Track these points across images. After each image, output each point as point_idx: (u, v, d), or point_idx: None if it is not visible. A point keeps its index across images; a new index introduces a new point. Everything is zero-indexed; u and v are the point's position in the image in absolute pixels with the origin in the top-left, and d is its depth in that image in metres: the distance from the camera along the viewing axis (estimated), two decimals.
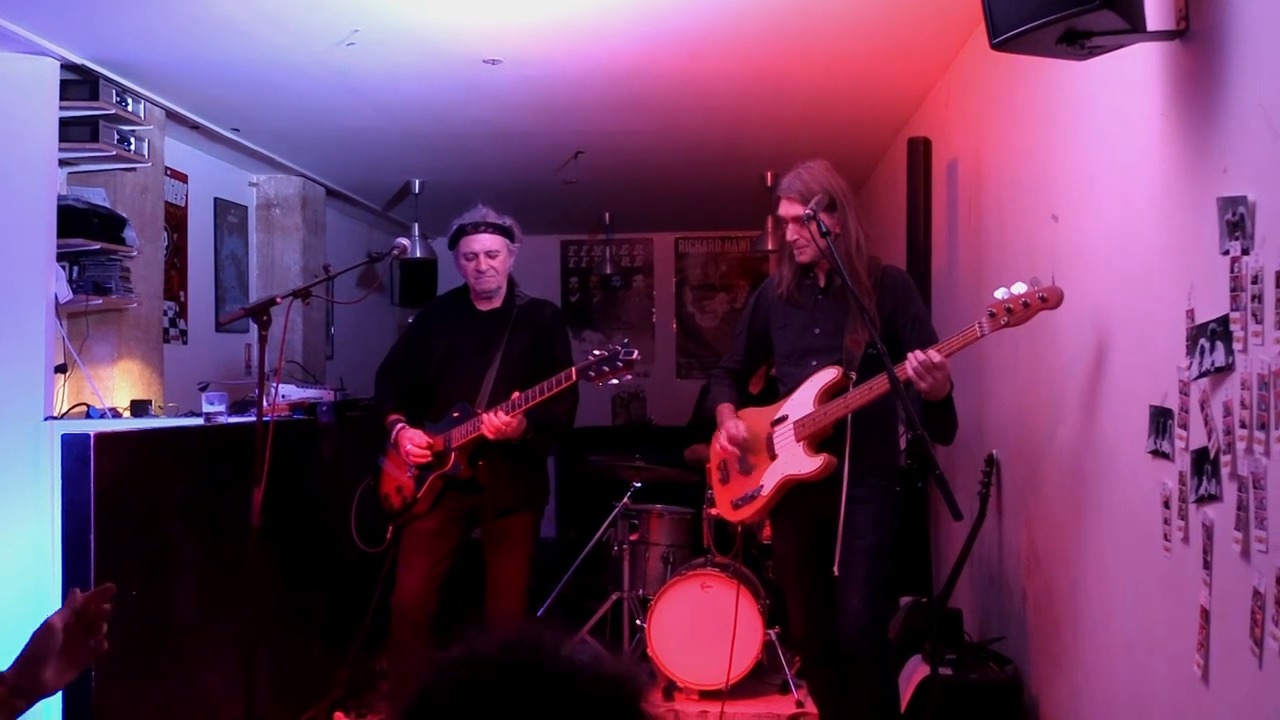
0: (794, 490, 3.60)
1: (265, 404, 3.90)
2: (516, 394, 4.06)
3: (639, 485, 5.74)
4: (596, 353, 3.99)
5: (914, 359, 3.17)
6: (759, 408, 3.79)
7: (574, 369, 3.98)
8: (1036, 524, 3.64)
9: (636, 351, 3.98)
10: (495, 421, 4.06)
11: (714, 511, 5.30)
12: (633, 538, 5.65)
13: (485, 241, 4.30)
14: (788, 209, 3.58)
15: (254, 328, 3.88)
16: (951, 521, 3.40)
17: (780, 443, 3.60)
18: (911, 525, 4.82)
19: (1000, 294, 3.06)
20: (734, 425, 3.72)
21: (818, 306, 3.67)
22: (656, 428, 9.02)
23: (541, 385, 4.01)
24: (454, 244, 4.35)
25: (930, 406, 3.29)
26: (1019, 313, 3.03)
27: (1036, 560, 3.63)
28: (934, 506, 5.09)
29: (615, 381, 4.00)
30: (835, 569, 3.45)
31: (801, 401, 3.57)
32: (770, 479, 3.63)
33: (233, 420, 4.55)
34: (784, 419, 3.61)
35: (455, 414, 4.25)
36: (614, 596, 5.64)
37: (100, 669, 3.52)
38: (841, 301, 3.57)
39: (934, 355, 3.16)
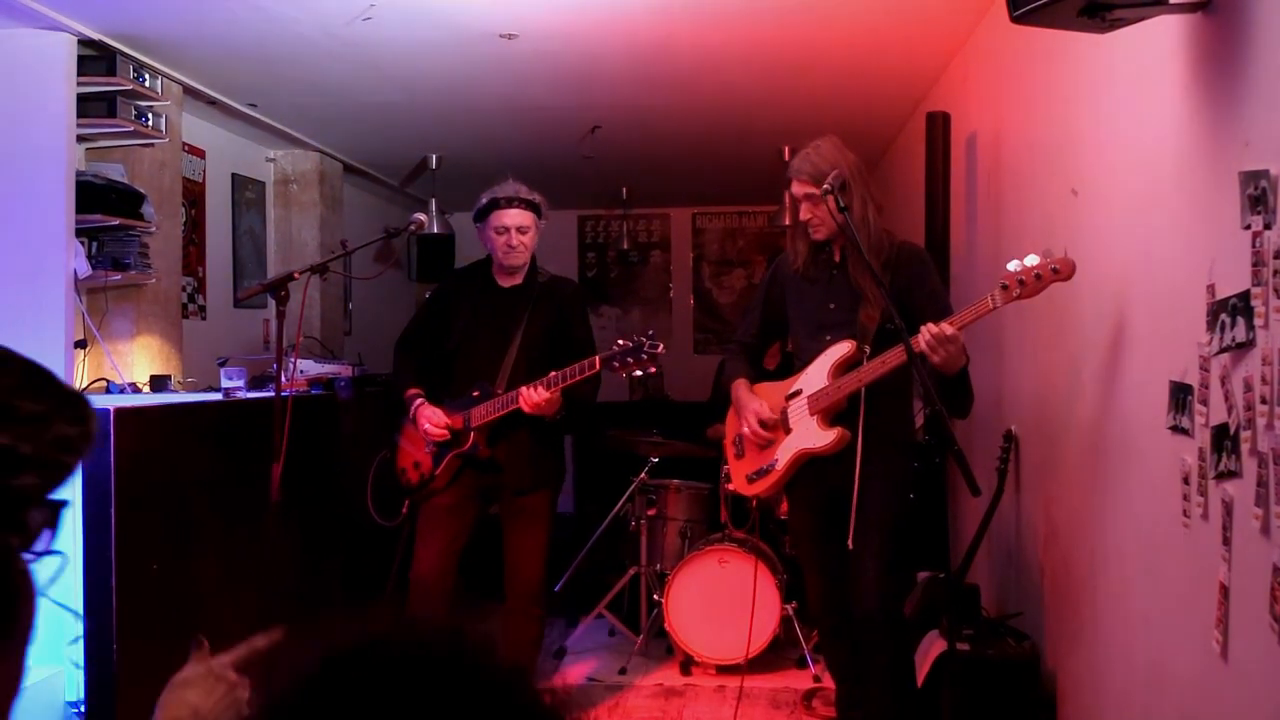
0: (809, 464, 3.61)
1: (284, 379, 3.91)
2: (554, 372, 4.05)
3: (656, 460, 5.74)
4: (621, 342, 3.97)
5: (926, 332, 3.17)
6: (774, 382, 3.81)
7: (597, 358, 3.98)
8: (1055, 499, 3.64)
9: (662, 345, 3.95)
10: (535, 397, 4.04)
11: (730, 486, 5.31)
12: (650, 513, 5.66)
13: (517, 217, 4.29)
14: (800, 189, 3.60)
15: (272, 303, 3.89)
16: (969, 497, 3.39)
17: (795, 417, 3.63)
18: (929, 500, 4.82)
19: (1013, 266, 3.05)
20: (759, 404, 3.73)
21: (832, 282, 3.68)
22: (674, 403, 9.01)
23: (574, 366, 4.01)
24: (483, 217, 4.32)
25: (945, 380, 3.29)
26: (1031, 284, 3.03)
27: (1055, 535, 3.63)
28: (952, 481, 5.09)
29: (639, 374, 3.99)
30: (850, 542, 3.47)
31: (816, 375, 3.59)
32: (784, 453, 3.65)
33: (251, 395, 4.57)
34: (798, 393, 3.62)
35: (475, 393, 4.25)
36: (631, 571, 5.65)
37: (122, 643, 3.56)
38: (856, 277, 3.58)
39: (946, 328, 3.16)
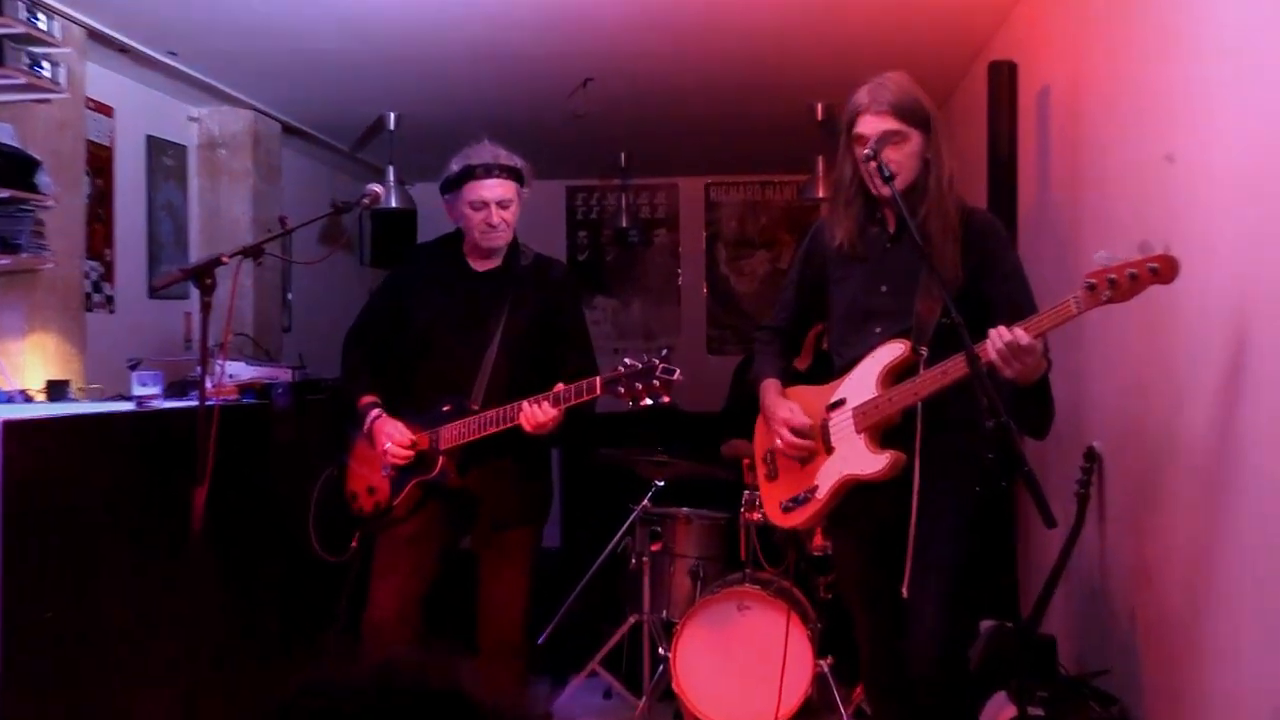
0: (855, 491, 3.56)
1: (209, 385, 3.88)
2: (561, 385, 4.00)
3: (661, 484, 5.71)
4: (628, 362, 3.87)
5: (998, 339, 3.10)
6: (811, 386, 3.75)
7: (597, 381, 3.93)
8: (1149, 532, 3.62)
9: (678, 371, 3.83)
10: (539, 416, 3.97)
11: (756, 516, 5.28)
12: (654, 548, 5.63)
13: (497, 188, 4.22)
14: (877, 124, 3.47)
15: (195, 293, 3.86)
16: (1042, 529, 3.36)
17: (838, 433, 3.56)
18: (994, 533, 4.79)
19: (1101, 257, 2.96)
20: (790, 412, 3.67)
21: (885, 258, 3.60)
22: (683, 414, 8.97)
23: (574, 386, 3.96)
24: (453, 188, 4.27)
25: (1021, 392, 3.25)
26: (1124, 286, 2.93)
27: (1148, 577, 3.61)
28: (1021, 510, 5.06)
29: (648, 403, 3.91)
30: (904, 588, 3.43)
31: (862, 382, 3.53)
32: (827, 478, 3.59)
33: (170, 405, 4.55)
34: (841, 403, 3.56)
35: (446, 407, 4.20)
36: (631, 619, 5.62)
37: (8, 702, 3.53)
38: (916, 253, 3.44)
39: (1021, 334, 3.08)
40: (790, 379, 3.88)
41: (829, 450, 3.60)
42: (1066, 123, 4.61)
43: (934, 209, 3.46)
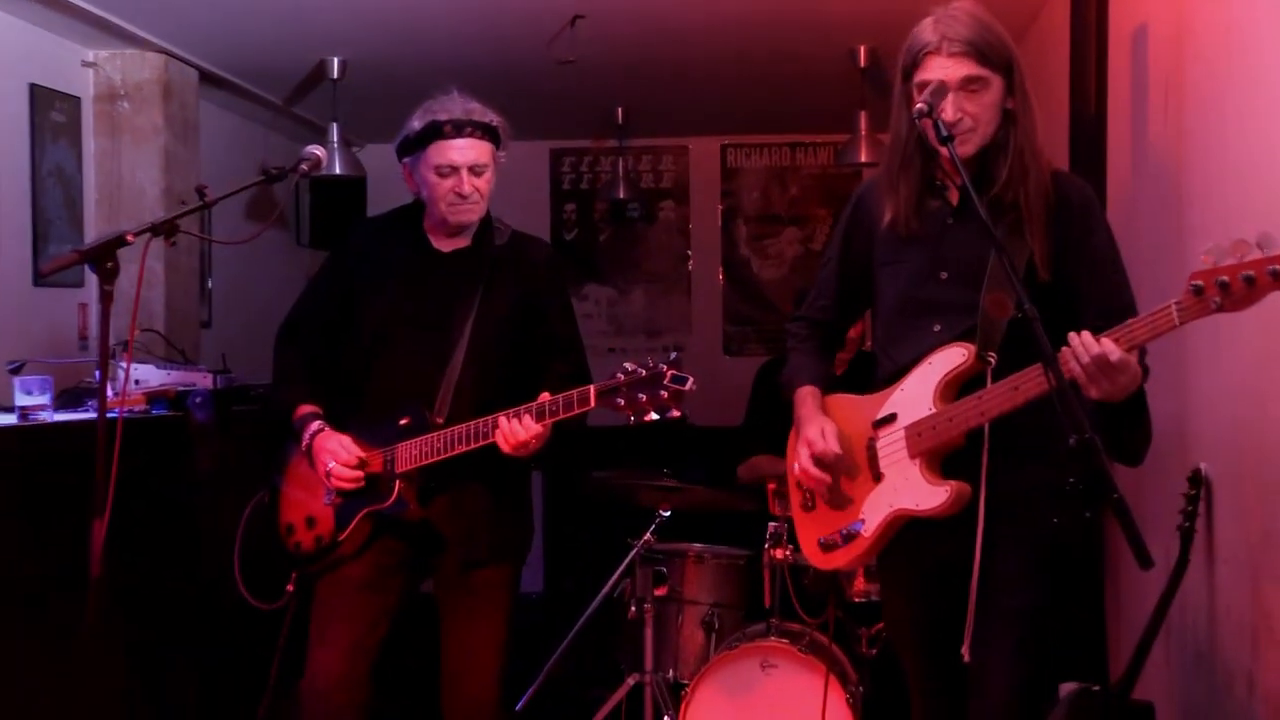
0: (909, 526, 3.55)
1: (110, 394, 3.87)
2: (546, 395, 3.99)
3: (667, 514, 5.71)
4: (629, 367, 3.86)
5: (1083, 350, 3.05)
6: (854, 396, 3.73)
7: (592, 390, 3.91)
8: (1269, 576, 3.61)
9: (691, 380, 3.81)
10: (520, 434, 3.95)
11: (784, 553, 5.28)
12: (659, 593, 5.62)
13: (469, 150, 4.18)
14: (950, 68, 3.38)
15: (93, 280, 3.87)
16: (1137, 571, 3.35)
17: (888, 457, 3.53)
18: (1077, 576, 4.78)
19: (1211, 254, 2.92)
20: (820, 434, 3.63)
21: (946, 238, 3.53)
22: (694, 428, 8.98)
23: (564, 396, 3.94)
24: (415, 149, 4.24)
25: (1110, 409, 3.23)
26: (1238, 291, 2.87)
27: (1270, 631, 3.60)
28: (1111, 547, 5.05)
29: (654, 417, 3.89)
30: (965, 649, 3.41)
31: (916, 395, 3.49)
32: (874, 512, 3.56)
33: (61, 418, 4.54)
34: (891, 419, 3.54)
35: (403, 420, 4.19)
36: (630, 681, 5.62)
37: None
38: (985, 231, 3.34)
39: (1111, 348, 3.04)
40: (831, 385, 3.85)
41: (877, 478, 3.57)
42: (1168, 69, 4.60)
43: (1017, 174, 3.41)
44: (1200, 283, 2.87)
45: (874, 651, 5.39)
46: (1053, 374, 3.03)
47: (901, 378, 3.55)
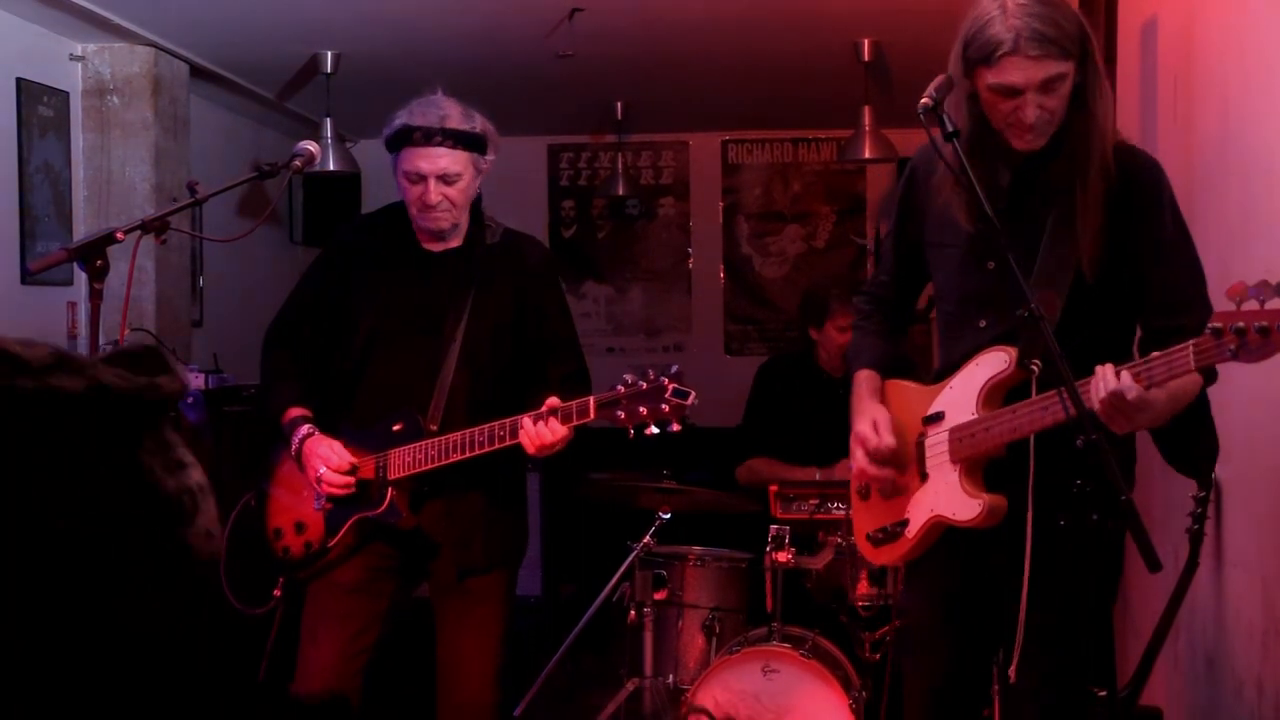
0: (949, 533, 3.51)
1: None
2: (555, 399, 3.94)
3: (667, 516, 5.70)
4: (630, 379, 3.85)
5: (1100, 386, 2.98)
6: (913, 383, 3.68)
7: (591, 401, 3.91)
8: (1279, 578, 3.60)
9: (693, 394, 3.81)
10: (547, 436, 3.94)
11: (782, 556, 5.26)
12: (659, 596, 5.62)
13: (440, 160, 4.14)
14: (1034, 72, 3.18)
15: (83, 278, 3.85)
16: (1145, 575, 3.35)
17: (933, 458, 3.49)
18: (1085, 580, 4.78)
19: (1234, 298, 2.75)
20: (872, 429, 3.55)
21: (995, 225, 3.31)
22: (694, 429, 8.99)
23: (571, 405, 3.92)
24: (392, 148, 4.25)
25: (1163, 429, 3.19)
26: (1254, 342, 2.73)
27: None
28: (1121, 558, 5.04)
29: (654, 431, 3.86)
30: (1011, 672, 3.34)
31: (962, 396, 3.44)
32: (918, 513, 3.54)
33: None
34: (939, 418, 3.48)
35: (396, 426, 4.17)
36: (630, 686, 5.61)
37: None
38: (1036, 221, 3.31)
39: (1128, 385, 2.95)
40: (893, 366, 3.75)
41: (924, 477, 3.53)
42: (1178, 65, 4.60)
43: (1081, 158, 3.25)
44: (1219, 325, 2.77)
45: (877, 657, 5.38)
46: (1068, 399, 2.97)
47: (953, 374, 3.48)
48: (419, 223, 4.25)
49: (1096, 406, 2.98)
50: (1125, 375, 2.95)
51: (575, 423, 3.95)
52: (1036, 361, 3.21)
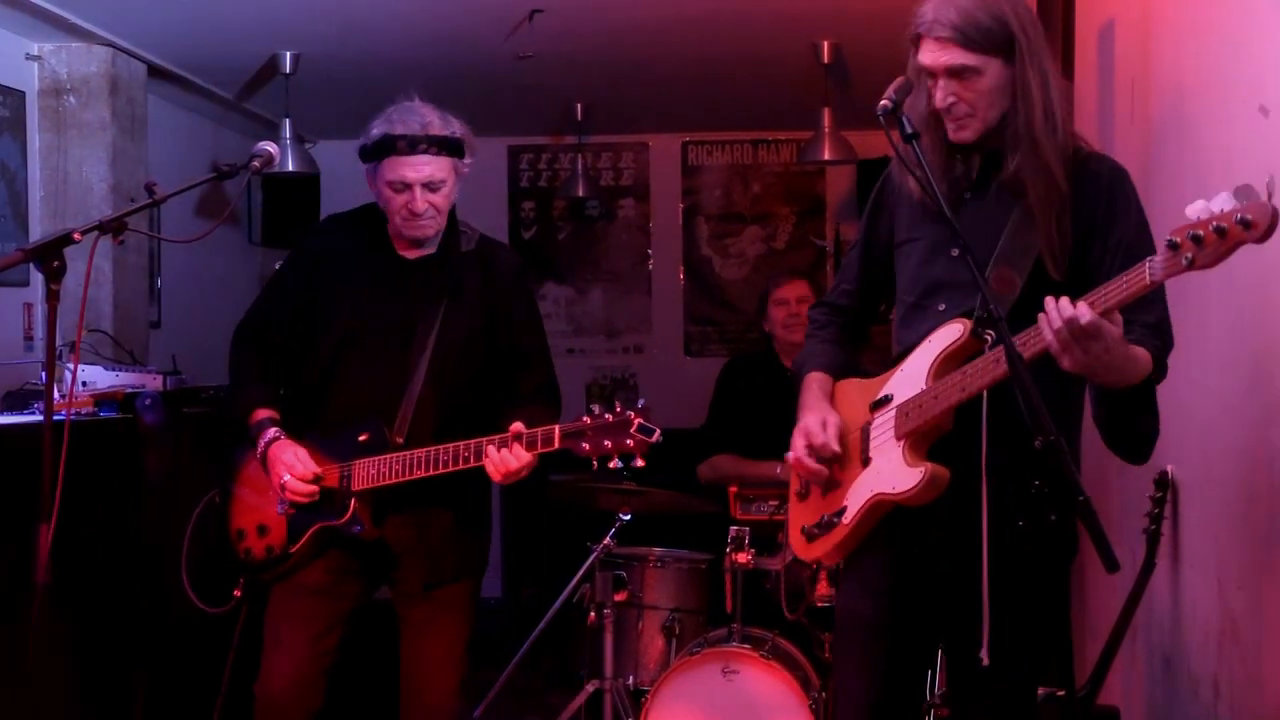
0: (893, 514, 3.43)
1: (57, 396, 3.86)
2: (520, 425, 3.95)
3: (627, 518, 5.70)
4: (596, 410, 3.85)
5: (1054, 314, 2.94)
6: (861, 379, 3.65)
7: (556, 431, 3.91)
8: (1234, 579, 3.63)
9: (658, 431, 3.81)
10: (511, 463, 3.94)
11: (742, 558, 5.28)
12: (619, 598, 5.62)
13: (425, 168, 4.12)
14: (940, 55, 3.29)
15: (38, 279, 3.85)
16: (1103, 575, 3.36)
17: (878, 440, 3.45)
18: (1042, 579, 4.80)
19: (1195, 210, 2.85)
20: (820, 425, 3.53)
21: (961, 213, 3.38)
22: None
23: (537, 433, 3.93)
24: (371, 159, 4.22)
25: (1112, 396, 3.18)
26: (1211, 243, 2.83)
27: (1235, 634, 3.62)
28: (1077, 551, 5.07)
29: (617, 465, 3.86)
30: (983, 652, 3.31)
31: (912, 374, 3.40)
32: (856, 497, 3.47)
33: (6, 421, 4.52)
34: (887, 401, 3.45)
35: (362, 436, 4.16)
36: (590, 687, 5.61)
37: None
38: (1003, 207, 3.34)
39: (1084, 310, 2.96)
40: (847, 373, 3.72)
41: (865, 462, 3.48)
42: (1135, 65, 4.63)
43: (1026, 160, 3.29)
44: (1176, 238, 2.78)
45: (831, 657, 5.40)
46: (1011, 353, 2.91)
47: (904, 357, 3.45)
48: (403, 231, 4.23)
49: (1050, 337, 2.94)
50: (1081, 303, 2.91)
51: (540, 450, 3.95)
52: (990, 332, 3.19)
